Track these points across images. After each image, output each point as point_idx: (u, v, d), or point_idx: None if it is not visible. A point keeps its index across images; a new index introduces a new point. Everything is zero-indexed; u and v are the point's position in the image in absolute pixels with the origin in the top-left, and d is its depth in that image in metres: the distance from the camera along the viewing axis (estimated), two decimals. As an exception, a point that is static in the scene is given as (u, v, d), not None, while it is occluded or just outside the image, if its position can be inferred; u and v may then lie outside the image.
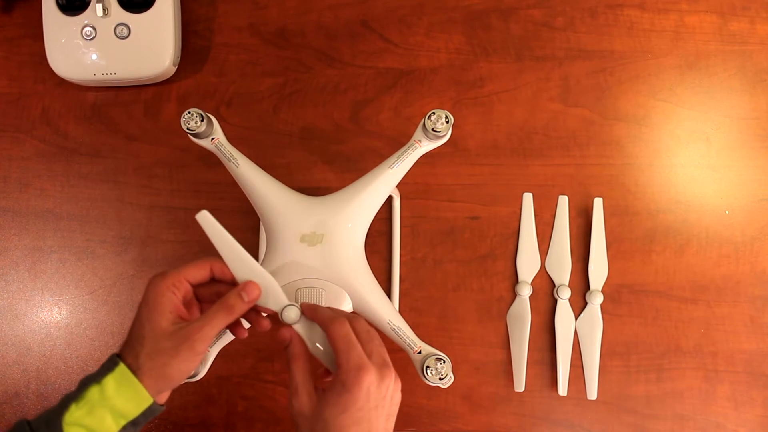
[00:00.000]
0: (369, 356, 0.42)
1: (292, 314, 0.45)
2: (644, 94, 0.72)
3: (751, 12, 0.73)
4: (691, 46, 0.73)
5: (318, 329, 0.46)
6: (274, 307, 0.45)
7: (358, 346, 0.42)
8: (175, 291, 0.43)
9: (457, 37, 0.75)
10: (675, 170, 0.71)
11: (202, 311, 0.47)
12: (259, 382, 0.71)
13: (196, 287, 0.45)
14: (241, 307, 0.43)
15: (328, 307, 0.47)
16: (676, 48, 0.73)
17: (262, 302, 0.45)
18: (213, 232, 0.44)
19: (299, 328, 0.46)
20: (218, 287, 0.46)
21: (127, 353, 0.42)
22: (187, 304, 0.45)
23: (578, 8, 0.74)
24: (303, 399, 0.42)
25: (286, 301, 0.45)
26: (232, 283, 0.45)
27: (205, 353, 0.43)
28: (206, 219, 0.44)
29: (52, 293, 0.75)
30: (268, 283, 0.45)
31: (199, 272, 0.45)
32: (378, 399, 0.41)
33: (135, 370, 0.41)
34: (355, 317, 0.46)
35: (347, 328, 0.43)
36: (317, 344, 0.46)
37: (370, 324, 0.47)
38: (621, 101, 0.72)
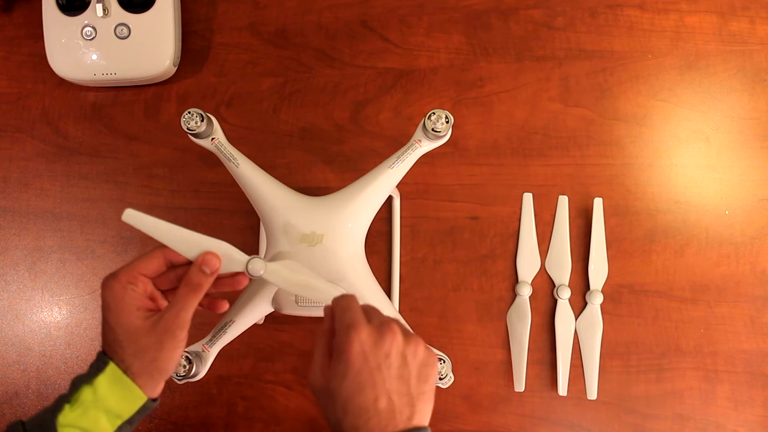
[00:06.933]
0: (368, 320, 0.41)
1: (257, 266, 0.44)
2: (644, 94, 0.72)
3: (751, 12, 0.73)
4: (691, 46, 0.73)
5: (295, 277, 0.46)
6: (238, 267, 0.45)
7: (354, 311, 0.41)
8: (134, 288, 0.42)
9: (457, 37, 0.75)
10: (675, 170, 0.71)
11: (167, 299, 0.45)
12: (259, 382, 0.71)
13: (156, 278, 0.44)
14: (207, 281, 0.43)
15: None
16: (676, 48, 0.73)
17: (225, 268, 0.44)
18: (145, 225, 0.43)
19: (268, 276, 0.45)
20: (177, 272, 0.45)
21: (110, 356, 0.41)
22: (149, 296, 0.44)
23: (578, 8, 0.74)
24: (316, 373, 0.41)
25: (247, 257, 0.45)
26: (190, 263, 0.44)
27: (186, 337, 0.42)
28: (134, 216, 0.43)
29: (52, 293, 0.75)
30: (222, 248, 0.44)
31: (152, 264, 0.43)
32: (379, 358, 0.38)
33: (125, 371, 0.40)
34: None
35: (349, 299, 0.42)
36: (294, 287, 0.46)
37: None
38: (621, 101, 0.72)
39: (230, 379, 0.71)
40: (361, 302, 0.43)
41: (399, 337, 0.40)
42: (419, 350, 0.41)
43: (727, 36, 0.72)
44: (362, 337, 0.39)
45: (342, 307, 0.42)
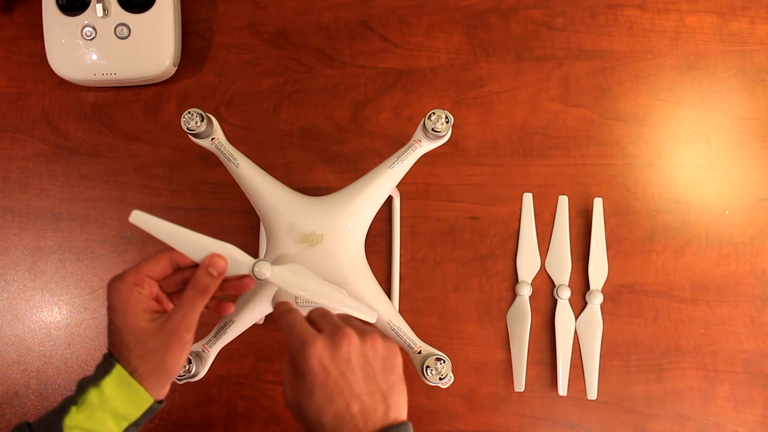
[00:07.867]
0: (320, 331, 0.41)
1: (263, 269, 0.44)
2: (644, 94, 0.72)
3: (751, 12, 0.73)
4: (691, 46, 0.73)
5: (300, 281, 0.46)
6: (244, 270, 0.45)
7: (300, 326, 0.41)
8: (140, 290, 0.42)
9: (457, 37, 0.75)
10: (675, 170, 0.71)
11: (173, 301, 0.46)
12: (259, 382, 0.71)
13: (161, 281, 0.44)
14: (214, 283, 0.43)
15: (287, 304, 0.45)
16: (676, 48, 0.73)
17: (231, 271, 0.44)
18: (152, 227, 0.43)
19: (274, 279, 0.45)
20: (183, 275, 0.45)
21: (116, 357, 0.41)
22: (155, 298, 0.44)
23: (578, 8, 0.74)
24: (288, 391, 0.41)
25: (252, 260, 0.45)
26: (196, 266, 0.44)
27: (193, 339, 0.42)
28: (141, 217, 0.43)
29: (52, 293, 0.75)
30: (228, 251, 0.44)
31: (158, 266, 0.43)
32: (340, 366, 0.39)
33: (131, 373, 0.40)
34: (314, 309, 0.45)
35: (291, 316, 0.42)
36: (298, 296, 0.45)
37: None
38: (621, 101, 0.72)
39: (230, 379, 0.71)
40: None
41: (355, 339, 0.40)
42: (377, 344, 0.41)
43: (727, 36, 0.72)
44: (317, 350, 0.39)
45: (288, 325, 0.41)
